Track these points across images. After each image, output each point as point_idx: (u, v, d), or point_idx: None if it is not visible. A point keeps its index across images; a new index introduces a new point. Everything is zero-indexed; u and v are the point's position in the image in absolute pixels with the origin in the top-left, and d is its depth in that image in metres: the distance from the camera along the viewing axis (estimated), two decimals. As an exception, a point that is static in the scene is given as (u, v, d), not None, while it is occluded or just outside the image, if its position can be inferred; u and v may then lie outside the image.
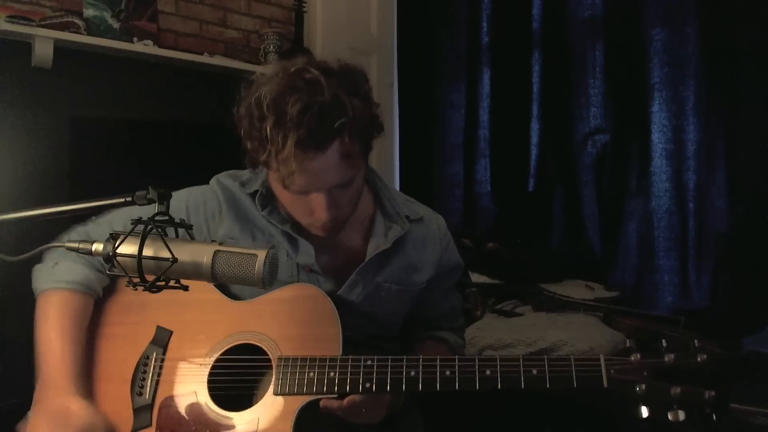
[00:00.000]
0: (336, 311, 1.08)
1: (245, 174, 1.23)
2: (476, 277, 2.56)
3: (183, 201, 1.21)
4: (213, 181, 1.25)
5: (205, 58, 2.97)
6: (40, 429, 1.03)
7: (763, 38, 2.27)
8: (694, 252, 2.51)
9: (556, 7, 3.04)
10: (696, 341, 0.95)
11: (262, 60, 3.18)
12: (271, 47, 3.17)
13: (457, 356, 1.03)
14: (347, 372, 1.03)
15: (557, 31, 3.04)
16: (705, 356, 0.93)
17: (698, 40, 2.49)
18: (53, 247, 0.91)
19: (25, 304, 1.16)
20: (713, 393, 0.91)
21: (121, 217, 1.17)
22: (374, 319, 1.23)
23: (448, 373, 1.01)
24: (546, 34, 3.11)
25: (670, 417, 0.92)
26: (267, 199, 1.17)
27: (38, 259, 1.18)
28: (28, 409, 1.15)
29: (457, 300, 1.40)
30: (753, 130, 2.34)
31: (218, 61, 3.00)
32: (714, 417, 0.91)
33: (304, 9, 3.30)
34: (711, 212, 2.47)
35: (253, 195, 1.19)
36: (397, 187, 3.54)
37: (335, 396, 1.04)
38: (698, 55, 2.50)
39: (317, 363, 1.05)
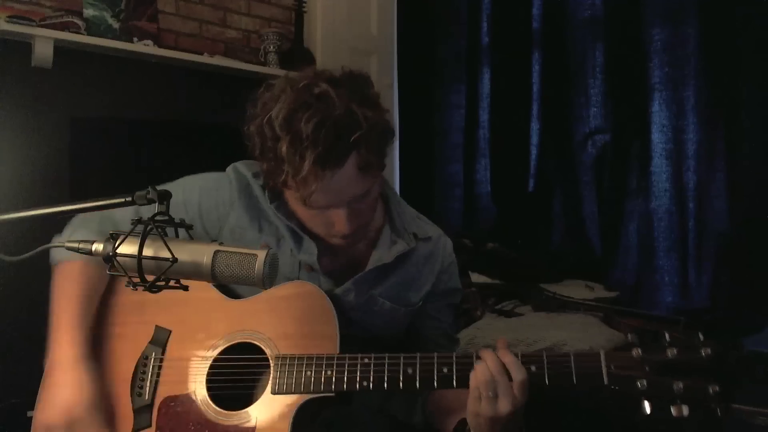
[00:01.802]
0: (333, 309, 1.08)
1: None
2: (476, 277, 2.56)
3: (197, 183, 1.21)
4: (230, 168, 1.24)
5: (205, 58, 2.96)
6: (53, 394, 1.06)
7: (763, 38, 2.26)
8: (694, 252, 2.51)
9: (556, 7, 3.04)
10: (700, 334, 0.94)
11: (262, 60, 3.18)
12: (271, 47, 3.17)
13: (454, 353, 1.03)
14: (344, 370, 1.03)
15: (557, 31, 3.04)
16: (709, 350, 0.91)
17: (698, 40, 2.49)
18: (53, 246, 0.91)
19: (25, 304, 1.16)
20: (717, 387, 0.89)
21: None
22: (365, 329, 1.21)
23: (445, 370, 1.00)
24: (546, 34, 3.11)
25: (673, 412, 0.91)
26: (277, 193, 1.16)
27: (35, 264, 1.17)
28: (29, 408, 1.15)
29: (449, 325, 1.34)
30: (753, 130, 2.34)
31: (218, 61, 3.00)
32: (719, 412, 0.90)
33: (304, 9, 3.30)
34: (711, 212, 2.46)
35: (264, 187, 1.18)
36: (397, 188, 3.55)
37: (333, 395, 1.04)
38: (698, 55, 2.50)
39: (314, 361, 1.05)
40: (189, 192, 1.19)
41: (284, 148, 0.96)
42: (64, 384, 1.05)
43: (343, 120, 0.97)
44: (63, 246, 0.87)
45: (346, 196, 1.03)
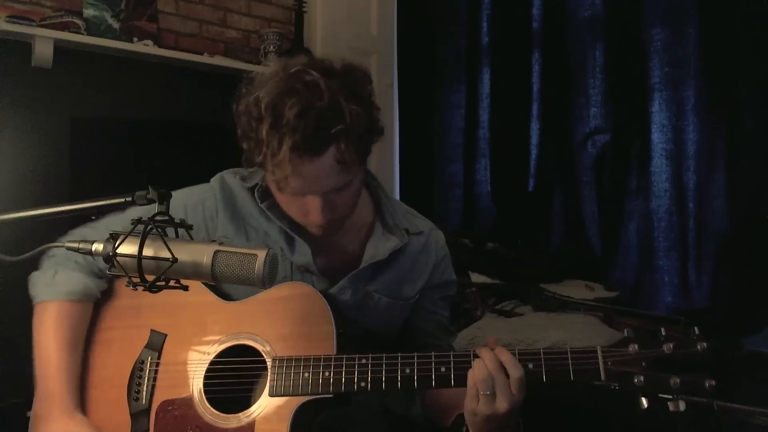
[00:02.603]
0: (329, 309, 1.08)
1: (248, 169, 1.22)
2: (476, 277, 2.56)
3: (181, 201, 1.20)
4: (215, 178, 1.24)
5: (205, 58, 2.97)
6: None
7: (763, 38, 2.26)
8: (694, 252, 2.51)
9: (556, 7, 3.04)
10: (696, 329, 0.94)
11: (262, 60, 3.18)
12: (271, 47, 3.17)
13: (452, 352, 1.03)
14: (342, 371, 1.03)
15: (557, 31, 3.04)
16: (705, 344, 0.92)
17: (698, 40, 2.49)
18: (53, 247, 0.91)
19: (26, 304, 1.16)
20: (713, 382, 0.90)
21: (118, 220, 1.17)
22: (363, 327, 1.21)
23: (443, 369, 1.00)
24: (546, 34, 3.11)
25: (670, 407, 0.91)
26: (267, 192, 1.16)
27: (35, 264, 1.17)
28: (28, 408, 1.15)
29: (446, 318, 1.34)
30: (753, 130, 2.34)
31: (218, 61, 3.00)
32: (715, 406, 0.90)
33: (304, 9, 3.30)
34: (711, 212, 2.46)
35: (253, 189, 1.18)
36: (397, 188, 3.55)
37: (331, 396, 1.03)
38: (698, 55, 2.50)
39: (311, 363, 1.05)
40: (174, 211, 1.18)
41: (265, 130, 0.97)
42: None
43: (327, 111, 0.97)
44: (63, 246, 0.87)
45: (322, 187, 1.02)
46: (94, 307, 1.20)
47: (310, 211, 1.06)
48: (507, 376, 0.97)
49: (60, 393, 1.08)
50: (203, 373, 1.12)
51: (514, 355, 0.99)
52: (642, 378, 0.93)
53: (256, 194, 1.17)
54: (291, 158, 0.96)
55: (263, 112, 0.98)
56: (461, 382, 0.99)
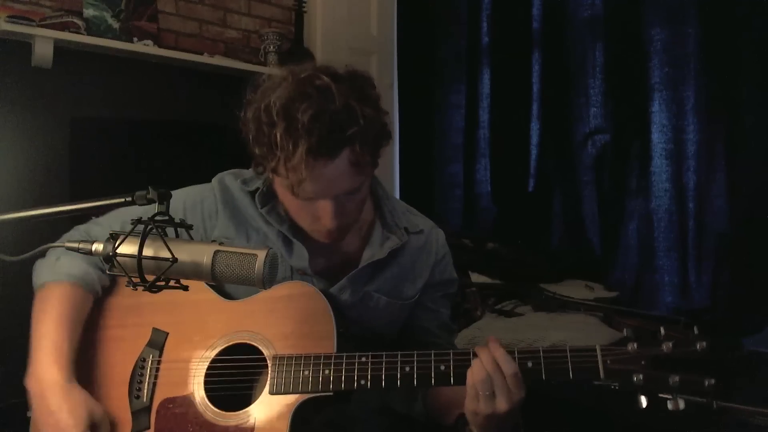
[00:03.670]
0: (330, 308, 1.09)
1: (248, 172, 1.22)
2: (476, 277, 2.56)
3: (180, 200, 1.20)
4: (215, 178, 1.24)
5: (205, 58, 2.97)
6: (47, 418, 1.03)
7: (763, 38, 2.27)
8: (694, 252, 2.51)
9: (556, 7, 3.04)
10: (696, 328, 0.94)
11: (262, 60, 3.18)
12: (271, 47, 3.17)
13: (452, 350, 1.03)
14: (342, 369, 1.03)
15: (557, 31, 3.04)
16: (704, 344, 0.92)
17: (698, 40, 2.50)
18: (53, 246, 0.91)
19: (26, 304, 1.16)
20: (713, 381, 0.90)
21: (121, 216, 1.17)
22: (363, 327, 1.21)
23: (443, 368, 1.01)
24: (546, 34, 3.11)
25: (669, 406, 0.91)
26: (267, 197, 1.16)
27: (37, 258, 1.17)
28: (28, 409, 1.15)
29: (447, 316, 1.34)
30: (753, 130, 2.34)
31: (218, 61, 3.00)
32: (714, 405, 0.90)
33: (304, 9, 3.30)
34: (711, 212, 2.46)
35: (253, 193, 1.18)
36: (397, 188, 3.55)
37: (331, 394, 1.04)
38: (698, 55, 2.50)
39: (312, 361, 1.05)
40: (174, 210, 1.18)
41: (279, 135, 0.96)
42: (59, 409, 1.03)
43: (341, 114, 0.97)
44: (63, 246, 0.87)
45: (336, 190, 1.02)
46: (97, 305, 1.20)
47: (321, 216, 1.06)
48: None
49: (59, 366, 1.06)
50: (204, 371, 1.12)
51: (514, 353, 0.99)
52: (641, 376, 0.93)
53: (256, 199, 1.17)
54: (306, 161, 0.96)
55: (275, 117, 0.97)
56: (460, 380, 0.99)
